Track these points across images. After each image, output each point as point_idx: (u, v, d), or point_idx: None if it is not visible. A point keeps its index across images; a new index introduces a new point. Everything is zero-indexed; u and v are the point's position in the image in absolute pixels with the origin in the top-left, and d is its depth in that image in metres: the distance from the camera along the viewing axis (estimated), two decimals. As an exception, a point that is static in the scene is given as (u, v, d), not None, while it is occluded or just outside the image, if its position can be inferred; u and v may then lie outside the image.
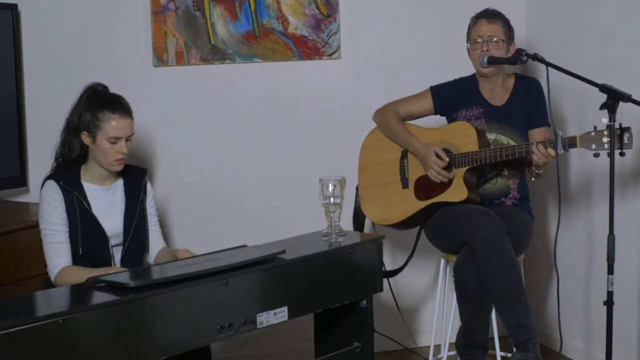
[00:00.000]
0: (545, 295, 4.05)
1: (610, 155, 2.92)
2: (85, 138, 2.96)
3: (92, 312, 2.25)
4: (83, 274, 2.74)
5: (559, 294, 3.27)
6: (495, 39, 3.40)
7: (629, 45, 3.47)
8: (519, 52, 3.27)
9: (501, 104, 3.50)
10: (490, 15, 3.44)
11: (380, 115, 3.61)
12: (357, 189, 3.62)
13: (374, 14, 4.05)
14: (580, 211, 3.84)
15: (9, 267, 3.06)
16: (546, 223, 4.02)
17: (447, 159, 3.36)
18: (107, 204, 3.01)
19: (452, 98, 3.54)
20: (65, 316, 2.17)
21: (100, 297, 2.36)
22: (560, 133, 3.14)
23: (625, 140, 2.97)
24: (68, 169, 3.00)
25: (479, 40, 3.42)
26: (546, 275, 4.01)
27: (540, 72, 3.22)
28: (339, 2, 3.96)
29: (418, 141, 3.46)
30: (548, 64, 3.16)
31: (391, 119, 3.56)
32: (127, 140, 2.98)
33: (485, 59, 3.38)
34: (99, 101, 2.97)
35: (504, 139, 3.44)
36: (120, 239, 3.02)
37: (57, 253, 2.89)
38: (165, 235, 3.89)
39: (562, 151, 3.14)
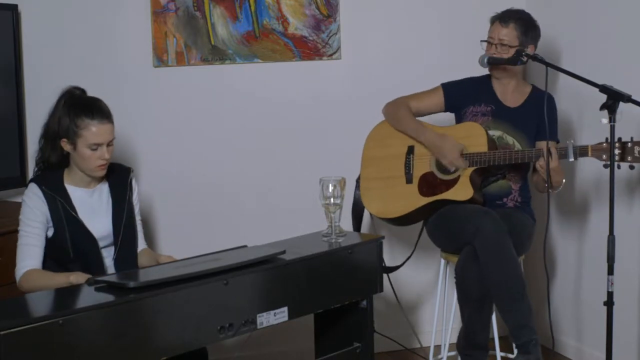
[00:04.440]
0: (541, 293, 4.06)
1: (611, 156, 2.93)
2: (65, 145, 2.90)
3: (92, 312, 2.25)
4: (45, 278, 2.74)
5: (549, 292, 3.27)
6: (504, 43, 3.39)
7: (629, 45, 3.47)
8: (519, 53, 3.27)
9: (514, 105, 3.50)
10: (503, 18, 3.41)
11: (392, 107, 3.59)
12: (357, 181, 3.60)
13: (374, 14, 4.05)
14: (572, 209, 3.86)
15: (9, 267, 3.05)
16: (539, 221, 4.01)
17: (461, 147, 3.36)
18: (92, 206, 2.97)
19: (463, 95, 3.54)
20: (65, 316, 2.17)
21: (100, 297, 2.36)
22: (572, 141, 3.19)
23: (637, 154, 3.04)
24: (51, 173, 2.95)
25: (491, 42, 3.43)
26: (540, 272, 4.02)
27: (540, 73, 3.22)
28: (339, 2, 3.96)
29: (430, 133, 3.44)
30: (548, 64, 3.16)
31: (403, 111, 3.54)
32: (108, 145, 2.91)
33: (486, 60, 3.39)
34: (77, 106, 2.89)
35: (510, 139, 3.44)
36: (109, 240, 2.99)
37: (26, 255, 2.85)
38: (163, 236, 3.90)
39: (573, 159, 3.19)
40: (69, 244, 2.88)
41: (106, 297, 2.35)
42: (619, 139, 3.06)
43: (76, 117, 2.87)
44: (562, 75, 3.17)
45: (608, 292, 2.94)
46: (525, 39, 3.40)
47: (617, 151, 3.07)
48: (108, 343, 2.25)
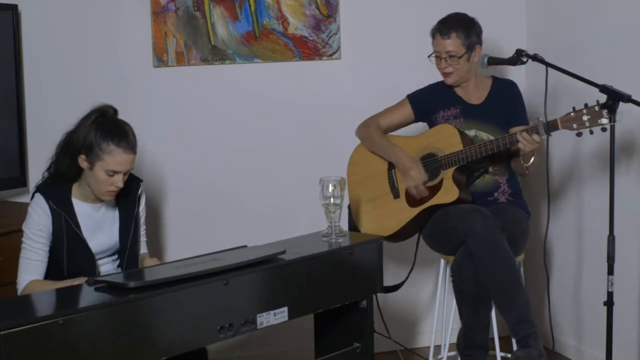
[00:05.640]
0: (540, 293, 4.06)
1: (611, 156, 2.93)
2: (83, 162, 2.84)
3: (92, 312, 2.25)
4: (48, 286, 2.71)
5: (549, 292, 3.28)
6: (452, 55, 3.41)
7: (629, 45, 3.47)
8: (519, 53, 3.27)
9: (479, 102, 3.52)
10: (443, 30, 3.42)
11: (363, 128, 3.61)
12: (348, 207, 3.57)
13: (374, 14, 4.05)
14: (570, 208, 3.86)
15: (9, 267, 3.05)
16: (539, 221, 4.02)
17: (426, 178, 3.38)
18: (97, 221, 2.95)
19: (429, 102, 3.55)
20: (65, 316, 2.17)
21: (100, 297, 2.36)
22: (541, 118, 3.16)
23: (605, 116, 2.97)
24: (59, 185, 2.90)
25: (438, 56, 3.45)
26: (540, 272, 4.02)
27: (540, 73, 3.22)
28: (339, 2, 3.96)
29: (401, 152, 3.46)
30: (548, 65, 3.16)
31: (374, 132, 3.56)
32: (124, 174, 2.87)
33: (486, 60, 3.38)
34: (106, 128, 2.83)
35: (484, 135, 3.45)
36: (107, 253, 2.98)
37: (29, 269, 2.83)
38: (163, 235, 3.91)
39: (545, 135, 3.16)
40: (64, 262, 2.87)
41: (106, 297, 2.35)
42: (586, 104, 3.03)
43: (102, 139, 2.81)
44: (561, 75, 3.17)
45: (608, 292, 2.94)
46: (471, 42, 3.42)
47: (585, 117, 3.03)
48: (108, 343, 2.25)
